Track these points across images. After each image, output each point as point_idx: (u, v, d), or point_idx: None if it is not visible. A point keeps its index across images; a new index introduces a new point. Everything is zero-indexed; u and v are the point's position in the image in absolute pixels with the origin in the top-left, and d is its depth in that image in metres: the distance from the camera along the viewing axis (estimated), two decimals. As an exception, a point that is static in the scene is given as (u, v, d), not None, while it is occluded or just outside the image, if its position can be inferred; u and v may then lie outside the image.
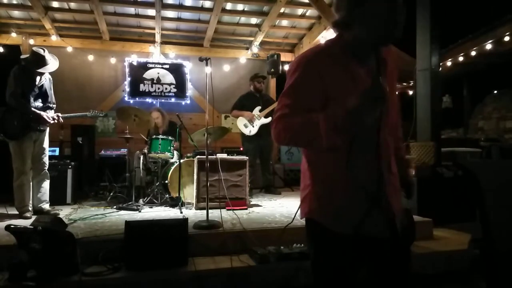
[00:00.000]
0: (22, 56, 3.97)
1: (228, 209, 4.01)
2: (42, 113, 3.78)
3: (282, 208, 4.36)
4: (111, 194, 4.87)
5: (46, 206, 3.94)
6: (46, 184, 3.98)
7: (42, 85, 3.89)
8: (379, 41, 1.24)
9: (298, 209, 1.41)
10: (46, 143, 3.97)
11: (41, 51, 3.80)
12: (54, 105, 4.07)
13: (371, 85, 1.11)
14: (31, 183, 3.86)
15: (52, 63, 3.88)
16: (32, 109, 3.75)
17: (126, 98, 6.91)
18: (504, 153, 5.44)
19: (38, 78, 3.84)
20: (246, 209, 4.19)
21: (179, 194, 4.30)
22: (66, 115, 4.04)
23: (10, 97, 3.68)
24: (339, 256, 1.27)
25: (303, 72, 1.27)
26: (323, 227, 1.27)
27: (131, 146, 4.86)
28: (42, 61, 3.78)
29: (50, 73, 4.02)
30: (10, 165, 3.78)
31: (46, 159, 3.98)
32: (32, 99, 3.78)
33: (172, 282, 2.54)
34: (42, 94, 3.89)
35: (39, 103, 3.85)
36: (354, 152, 1.21)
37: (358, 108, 1.09)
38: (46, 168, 3.99)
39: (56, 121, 3.92)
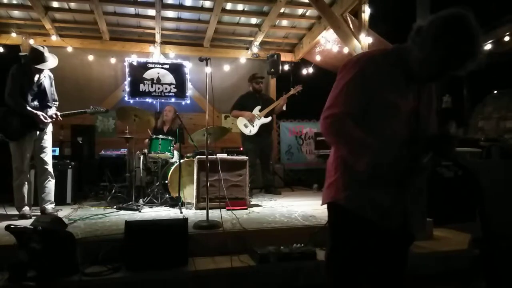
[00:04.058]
0: (21, 53, 3.95)
1: (228, 209, 4.02)
2: (38, 112, 3.73)
3: (282, 208, 4.36)
4: (111, 194, 4.87)
5: (49, 207, 3.86)
6: (50, 184, 3.91)
7: (41, 83, 3.84)
8: (418, 76, 1.34)
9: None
10: (47, 142, 3.91)
11: (40, 48, 3.77)
12: (56, 103, 4.02)
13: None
14: (27, 183, 3.80)
15: (51, 60, 3.83)
16: (29, 109, 3.70)
17: (126, 98, 6.90)
18: (504, 153, 5.42)
19: (37, 76, 3.80)
20: (246, 209, 4.20)
21: (179, 194, 4.30)
22: (65, 112, 4.00)
23: (7, 97, 3.66)
24: (365, 236, 1.40)
25: (358, 72, 1.34)
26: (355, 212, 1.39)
27: (131, 146, 4.86)
28: (41, 58, 3.73)
29: (51, 71, 3.98)
30: (10, 165, 3.76)
31: (47, 158, 3.91)
32: (30, 98, 3.75)
33: (172, 282, 2.54)
34: (41, 93, 3.85)
35: (36, 103, 3.80)
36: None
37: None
38: (49, 167, 3.91)
39: (54, 119, 3.89)
